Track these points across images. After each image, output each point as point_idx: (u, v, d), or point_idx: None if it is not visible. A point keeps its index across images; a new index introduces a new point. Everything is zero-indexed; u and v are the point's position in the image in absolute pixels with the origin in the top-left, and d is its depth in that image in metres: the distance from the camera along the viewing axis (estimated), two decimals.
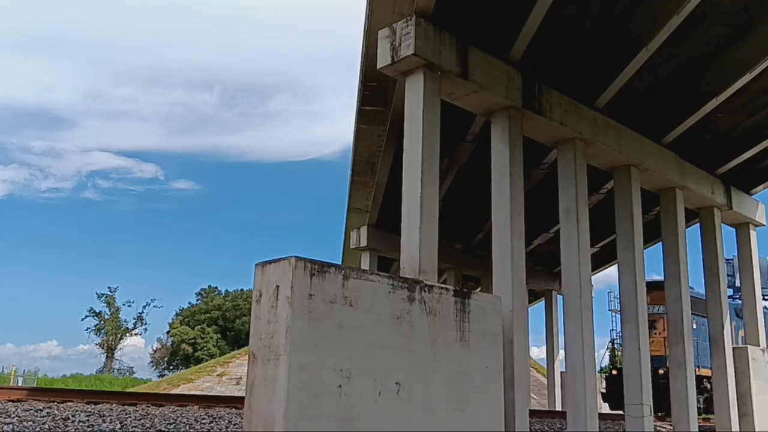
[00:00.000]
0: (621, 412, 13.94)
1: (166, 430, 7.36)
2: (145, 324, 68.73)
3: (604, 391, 19.45)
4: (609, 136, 10.80)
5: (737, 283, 23.97)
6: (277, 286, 5.56)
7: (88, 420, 7.12)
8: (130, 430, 7.12)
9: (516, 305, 8.29)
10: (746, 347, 13.77)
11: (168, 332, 74.75)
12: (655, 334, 19.26)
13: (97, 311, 65.40)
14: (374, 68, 8.47)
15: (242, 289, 78.94)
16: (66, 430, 6.73)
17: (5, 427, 6.37)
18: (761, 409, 13.33)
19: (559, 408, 20.88)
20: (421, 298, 6.60)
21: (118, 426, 7.14)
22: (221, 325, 75.12)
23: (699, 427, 11.82)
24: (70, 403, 7.82)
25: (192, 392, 22.52)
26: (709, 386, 17.06)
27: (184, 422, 7.77)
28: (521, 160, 9.17)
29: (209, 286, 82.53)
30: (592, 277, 11.17)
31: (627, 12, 9.39)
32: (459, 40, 8.35)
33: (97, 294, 68.72)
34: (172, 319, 77.07)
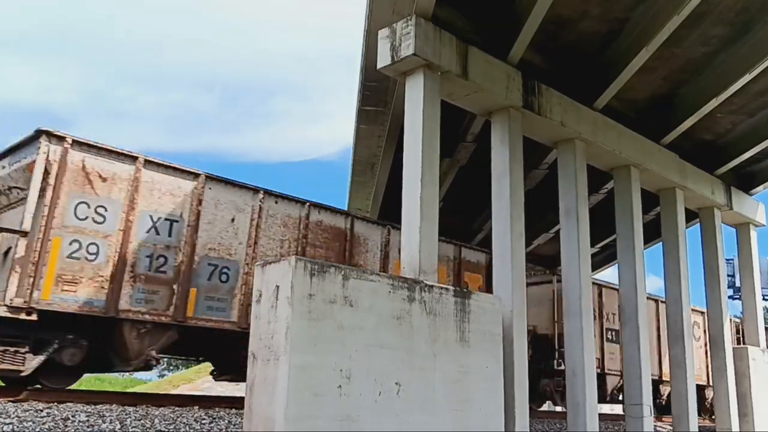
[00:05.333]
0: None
1: (166, 430, 7.36)
2: None
3: None
4: (609, 136, 10.80)
5: (737, 283, 24.03)
6: (277, 286, 5.56)
7: (88, 420, 7.11)
8: (130, 430, 7.12)
9: (516, 305, 8.29)
10: (746, 347, 13.78)
11: None
12: None
13: None
14: (374, 68, 8.47)
15: None
16: (66, 430, 6.73)
17: (5, 427, 6.37)
18: (761, 409, 13.33)
19: None
20: (421, 298, 6.60)
21: (118, 426, 7.14)
22: None
23: (699, 427, 11.82)
24: (70, 403, 7.80)
25: (192, 392, 22.51)
26: None
27: (184, 422, 7.76)
28: (521, 160, 9.17)
29: None
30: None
31: (627, 12, 9.40)
32: (459, 40, 8.35)
33: None
34: None
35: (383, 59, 8.07)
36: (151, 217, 8.49)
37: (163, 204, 8.63)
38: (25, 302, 7.40)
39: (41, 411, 7.15)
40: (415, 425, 6.23)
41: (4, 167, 8.35)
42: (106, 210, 8.07)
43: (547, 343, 13.96)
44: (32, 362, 7.60)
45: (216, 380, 10.63)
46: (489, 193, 9.06)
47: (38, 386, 8.04)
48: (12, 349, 7.45)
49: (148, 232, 8.44)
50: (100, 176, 8.11)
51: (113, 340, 8.25)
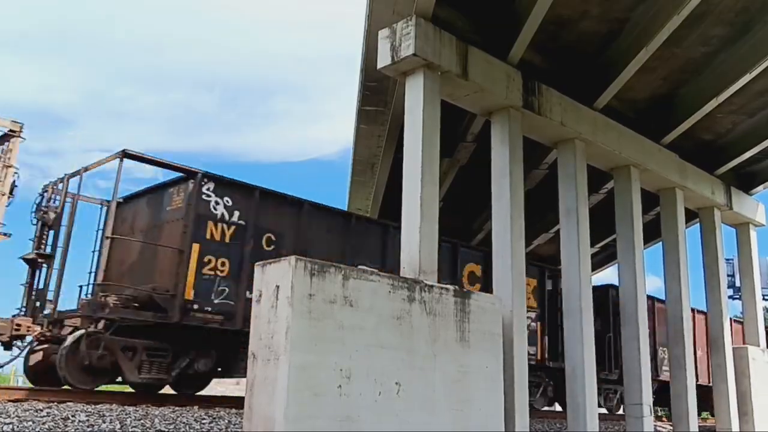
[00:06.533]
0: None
1: (166, 430, 7.36)
2: None
3: None
4: (609, 136, 10.80)
5: (737, 283, 24.02)
6: (277, 286, 5.56)
7: (88, 420, 7.11)
8: (130, 430, 7.11)
9: (516, 305, 8.29)
10: (746, 347, 13.78)
11: None
12: None
13: None
14: (374, 68, 8.48)
15: None
16: (66, 430, 6.73)
17: (5, 427, 6.36)
18: (761, 409, 13.33)
19: None
20: (421, 298, 6.60)
21: (118, 426, 7.13)
22: None
23: (699, 427, 11.82)
24: (70, 403, 7.80)
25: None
26: None
27: (184, 422, 7.75)
28: (521, 160, 9.17)
29: None
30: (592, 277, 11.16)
31: (627, 12, 9.40)
32: (459, 40, 8.35)
33: None
34: None
35: (383, 59, 8.07)
36: None
37: None
38: None
39: (41, 411, 7.15)
40: (415, 425, 6.23)
41: None
42: None
43: None
44: None
45: None
46: (489, 193, 9.05)
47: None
48: None
49: None
50: None
51: None
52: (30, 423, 6.65)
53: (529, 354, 9.60)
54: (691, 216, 14.15)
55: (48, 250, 9.62)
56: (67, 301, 9.63)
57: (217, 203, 9.29)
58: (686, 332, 11.96)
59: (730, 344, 13.52)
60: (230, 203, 9.39)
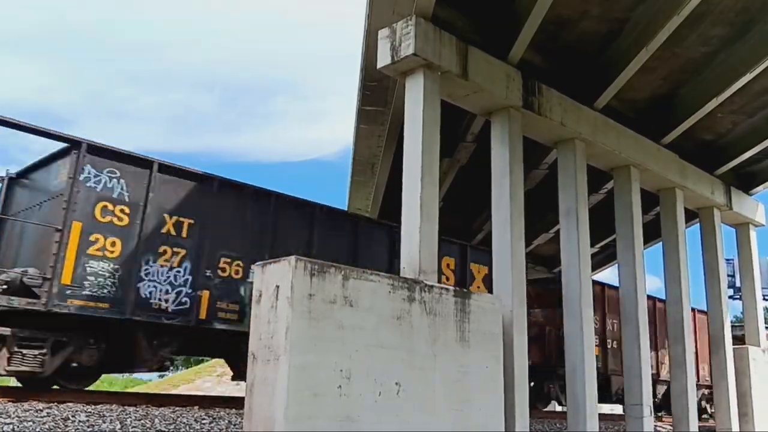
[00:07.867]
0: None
1: (166, 430, 7.36)
2: None
3: None
4: (609, 136, 10.80)
5: (737, 283, 24.02)
6: (277, 286, 5.56)
7: (88, 420, 7.11)
8: (130, 430, 7.12)
9: (516, 305, 8.29)
10: (746, 347, 13.77)
11: None
12: None
13: None
14: (374, 68, 8.47)
15: None
16: (66, 430, 6.73)
17: (5, 427, 6.36)
18: (761, 409, 13.33)
19: None
20: (421, 298, 6.60)
21: (118, 426, 7.13)
22: None
23: (699, 427, 11.83)
24: (70, 403, 7.80)
25: (192, 392, 22.51)
26: None
27: (184, 422, 7.76)
28: (521, 160, 9.17)
29: None
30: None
31: (627, 12, 9.40)
32: (459, 40, 8.36)
33: None
34: None
35: (383, 59, 8.07)
36: None
37: None
38: None
39: (41, 411, 7.15)
40: (415, 425, 6.23)
41: None
42: None
43: None
44: None
45: None
46: (489, 193, 9.05)
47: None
48: None
49: None
50: None
51: None
52: (30, 423, 6.65)
53: None
54: (691, 216, 14.15)
55: None
56: None
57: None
58: (686, 332, 11.96)
59: (731, 344, 13.53)
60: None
